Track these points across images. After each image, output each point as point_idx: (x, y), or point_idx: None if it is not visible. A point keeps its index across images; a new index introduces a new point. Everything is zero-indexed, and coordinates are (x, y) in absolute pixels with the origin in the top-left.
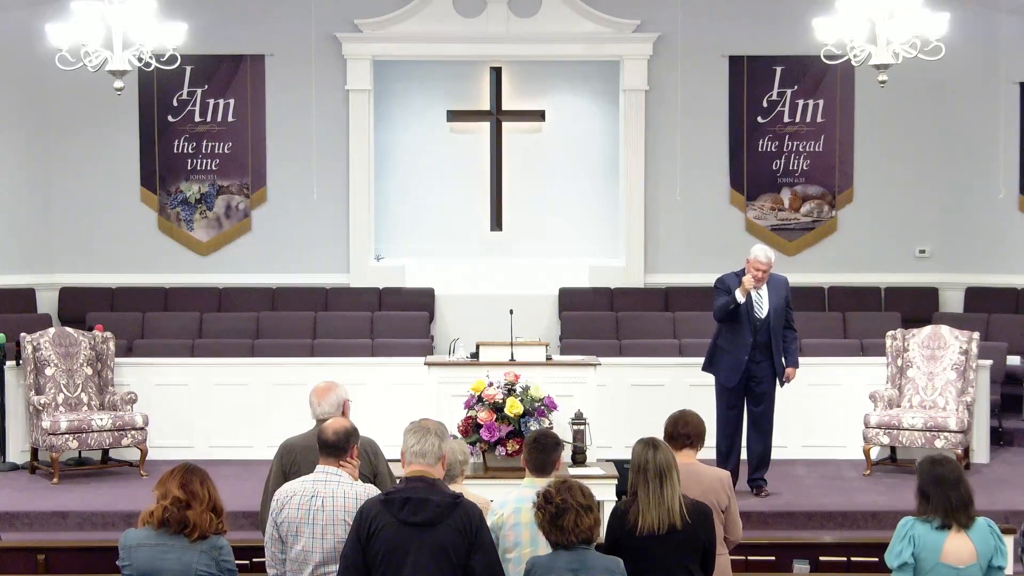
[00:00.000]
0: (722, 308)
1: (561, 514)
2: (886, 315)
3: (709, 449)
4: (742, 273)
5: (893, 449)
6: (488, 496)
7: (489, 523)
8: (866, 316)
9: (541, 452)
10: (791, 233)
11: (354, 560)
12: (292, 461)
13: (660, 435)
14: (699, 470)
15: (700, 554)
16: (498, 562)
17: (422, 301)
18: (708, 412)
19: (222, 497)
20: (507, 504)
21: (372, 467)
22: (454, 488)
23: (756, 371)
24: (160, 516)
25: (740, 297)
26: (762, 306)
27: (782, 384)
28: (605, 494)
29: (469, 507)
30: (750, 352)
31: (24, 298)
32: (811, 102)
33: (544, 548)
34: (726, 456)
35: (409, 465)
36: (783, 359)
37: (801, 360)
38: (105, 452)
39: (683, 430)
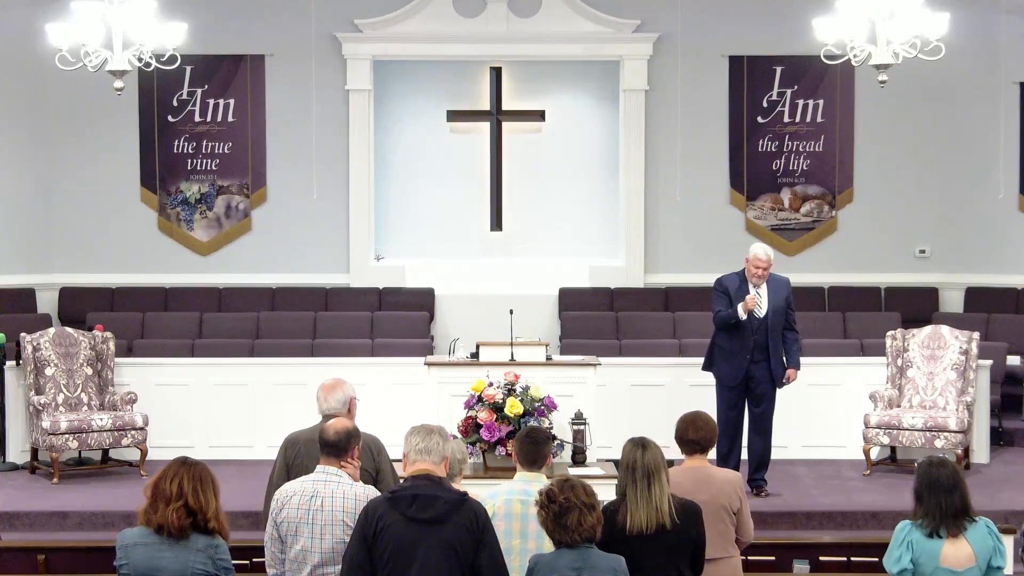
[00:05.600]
0: (723, 320)
1: (564, 513)
2: (886, 315)
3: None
4: (742, 273)
5: (893, 449)
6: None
7: None
8: (866, 316)
9: (534, 444)
10: (791, 233)
11: (359, 560)
12: (296, 455)
13: (667, 436)
14: (710, 473)
15: (690, 553)
16: (502, 559)
17: (422, 301)
18: (708, 412)
19: (222, 498)
20: (497, 496)
21: (375, 464)
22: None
23: (755, 371)
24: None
25: (742, 315)
26: (761, 306)
27: (780, 385)
28: (605, 494)
29: (475, 505)
30: (750, 351)
31: (24, 298)
32: (811, 102)
33: (533, 541)
34: (726, 457)
35: (414, 464)
36: (784, 360)
37: (801, 360)
38: (105, 452)
39: (694, 436)
